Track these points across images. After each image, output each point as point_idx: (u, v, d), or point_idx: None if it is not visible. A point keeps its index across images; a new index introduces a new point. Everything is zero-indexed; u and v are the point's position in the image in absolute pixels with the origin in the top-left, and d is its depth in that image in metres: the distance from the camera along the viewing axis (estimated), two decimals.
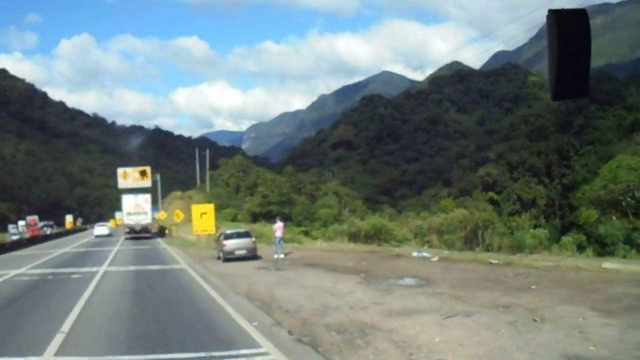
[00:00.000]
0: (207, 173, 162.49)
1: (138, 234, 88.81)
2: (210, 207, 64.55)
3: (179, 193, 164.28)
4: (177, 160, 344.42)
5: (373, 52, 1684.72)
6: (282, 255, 45.72)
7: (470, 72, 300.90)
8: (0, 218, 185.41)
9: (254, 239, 45.54)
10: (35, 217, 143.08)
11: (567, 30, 4.22)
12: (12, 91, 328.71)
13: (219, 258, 45.74)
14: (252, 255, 44.33)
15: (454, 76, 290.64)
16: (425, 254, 41.21)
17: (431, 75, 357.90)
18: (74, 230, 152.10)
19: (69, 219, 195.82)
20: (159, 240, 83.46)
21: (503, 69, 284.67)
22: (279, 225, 48.58)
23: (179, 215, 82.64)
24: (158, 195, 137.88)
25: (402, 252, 44.33)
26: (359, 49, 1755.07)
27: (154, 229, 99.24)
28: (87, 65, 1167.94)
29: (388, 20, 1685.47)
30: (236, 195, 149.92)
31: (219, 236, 47.68)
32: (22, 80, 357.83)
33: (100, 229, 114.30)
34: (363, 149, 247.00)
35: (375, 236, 57.46)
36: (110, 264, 44.17)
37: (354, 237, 60.29)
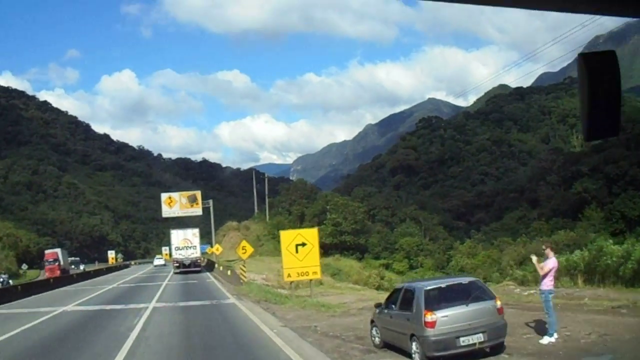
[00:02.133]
0: (267, 199, 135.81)
1: (187, 268, 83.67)
2: (312, 234, 35.39)
3: (234, 223, 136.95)
4: (226, 192, 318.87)
5: (415, 80, 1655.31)
6: (555, 337, 17.93)
7: (530, 90, 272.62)
8: (39, 254, 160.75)
9: (498, 303, 16.01)
10: (56, 251, 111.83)
11: (596, 72, 4.02)
12: (55, 124, 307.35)
13: (383, 347, 19.27)
14: (494, 345, 16.55)
15: (513, 94, 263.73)
16: None
17: (479, 98, 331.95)
18: (110, 269, 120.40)
19: (111, 255, 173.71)
20: (217, 284, 56.92)
21: (564, 84, 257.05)
22: (552, 264, 18.45)
23: (246, 250, 53.33)
24: (211, 224, 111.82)
25: None
26: (401, 77, 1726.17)
27: (203, 263, 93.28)
28: (130, 100, 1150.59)
29: (428, 47, 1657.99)
30: (300, 225, 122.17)
31: (402, 292, 18.20)
32: (65, 113, 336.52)
33: (159, 261, 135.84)
34: (425, 173, 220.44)
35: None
36: None
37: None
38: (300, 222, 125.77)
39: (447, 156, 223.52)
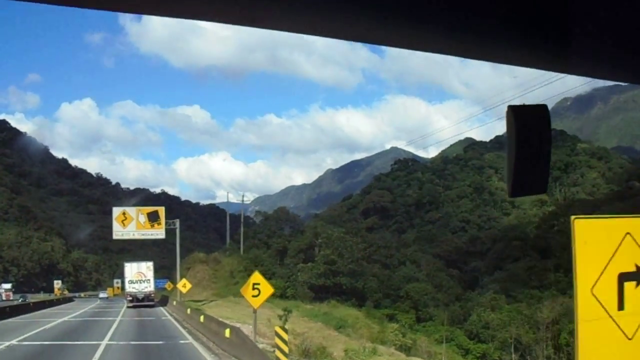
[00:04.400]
0: (242, 229, 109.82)
1: (141, 302, 77.78)
2: None
3: (201, 255, 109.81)
4: (184, 226, 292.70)
5: (375, 128, 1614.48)
6: None
7: None
8: None
9: None
10: None
11: (526, 125, 3.73)
12: (11, 143, 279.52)
13: None
14: None
15: (493, 142, 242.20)
16: None
17: (444, 150, 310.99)
18: (39, 305, 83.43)
19: (57, 284, 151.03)
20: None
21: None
22: None
23: (261, 290, 27.76)
24: (176, 253, 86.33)
25: None
26: (361, 124, 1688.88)
27: (157, 298, 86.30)
28: (89, 129, 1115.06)
29: (390, 96, 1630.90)
30: (281, 261, 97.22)
31: None
32: (24, 134, 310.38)
33: (103, 294, 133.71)
34: (401, 217, 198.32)
35: None
36: None
37: None
38: (280, 257, 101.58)
39: (425, 200, 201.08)
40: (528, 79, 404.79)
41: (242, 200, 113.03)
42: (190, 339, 35.64)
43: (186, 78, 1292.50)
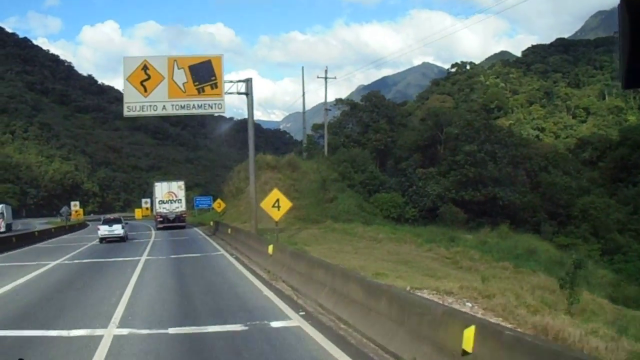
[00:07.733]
0: (326, 117, 73.37)
1: (172, 223, 70.01)
2: None
3: (268, 158, 67.33)
4: (219, 141, 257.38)
5: (402, 43, 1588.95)
6: None
7: (576, 42, 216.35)
8: None
9: None
10: None
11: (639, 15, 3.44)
12: (33, 61, 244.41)
13: None
14: None
15: (555, 45, 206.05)
16: None
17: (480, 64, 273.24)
18: (18, 239, 47.48)
19: (74, 206, 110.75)
20: None
21: (615, 37, 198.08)
22: None
23: None
24: (249, 140, 43.97)
25: None
26: (388, 40, 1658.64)
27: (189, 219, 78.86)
28: (113, 51, 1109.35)
29: (416, 11, 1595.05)
30: (383, 167, 61.35)
31: None
32: (46, 52, 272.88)
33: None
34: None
35: None
36: None
37: None
38: (382, 158, 65.62)
39: (493, 105, 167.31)
40: None
41: (325, 77, 75.87)
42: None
43: None
